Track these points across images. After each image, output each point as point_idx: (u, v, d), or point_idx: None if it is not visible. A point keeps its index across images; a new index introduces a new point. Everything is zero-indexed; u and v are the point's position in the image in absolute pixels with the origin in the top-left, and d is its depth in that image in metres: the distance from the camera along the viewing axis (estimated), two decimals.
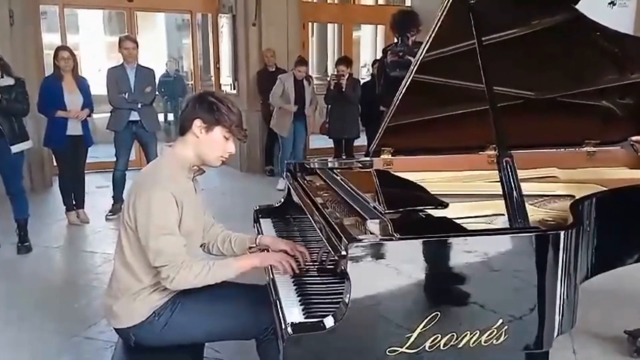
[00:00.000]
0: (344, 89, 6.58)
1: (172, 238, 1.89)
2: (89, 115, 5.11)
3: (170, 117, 12.11)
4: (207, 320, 1.99)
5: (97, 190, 6.28)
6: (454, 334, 1.62)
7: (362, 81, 7.49)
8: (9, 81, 4.25)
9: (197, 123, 1.95)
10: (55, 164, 5.48)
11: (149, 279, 1.96)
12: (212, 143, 1.97)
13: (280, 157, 6.84)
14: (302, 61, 6.68)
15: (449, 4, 2.11)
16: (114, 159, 5.42)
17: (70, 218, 5.31)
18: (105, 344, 2.90)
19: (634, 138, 2.37)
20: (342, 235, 1.64)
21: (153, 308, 1.98)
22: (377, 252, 1.59)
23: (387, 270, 1.59)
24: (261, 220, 2.65)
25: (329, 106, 6.96)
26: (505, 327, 1.66)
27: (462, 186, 2.55)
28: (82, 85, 5.06)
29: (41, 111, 5.04)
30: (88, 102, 5.05)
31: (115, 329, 2.06)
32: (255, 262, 2.05)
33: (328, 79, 7.17)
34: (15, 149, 4.28)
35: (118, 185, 5.40)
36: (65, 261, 4.55)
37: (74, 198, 5.32)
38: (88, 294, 3.66)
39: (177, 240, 1.90)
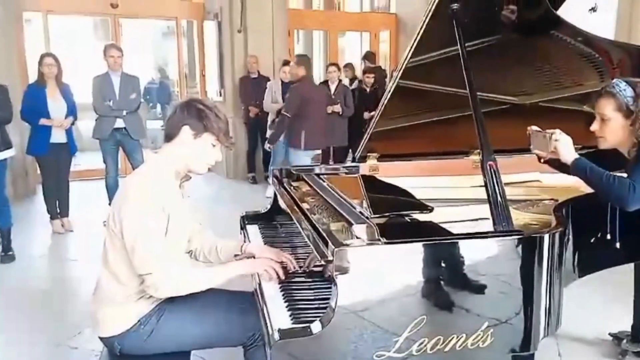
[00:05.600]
0: (341, 113, 6.67)
1: (158, 246, 1.87)
2: (73, 123, 5.07)
3: (155, 124, 12.02)
4: (193, 327, 1.98)
5: (82, 199, 6.21)
6: (441, 337, 1.63)
7: None
8: None
9: (186, 130, 1.93)
10: (38, 171, 5.41)
11: (134, 287, 1.94)
12: (199, 150, 1.96)
13: (271, 165, 6.74)
14: (286, 62, 6.62)
15: (432, 10, 2.13)
16: (98, 167, 5.37)
17: (54, 226, 5.25)
18: (91, 352, 2.87)
19: (534, 127, 2.17)
20: (328, 240, 1.64)
21: (138, 316, 1.95)
22: (363, 257, 1.60)
23: (374, 275, 1.60)
24: (248, 226, 2.64)
25: None
26: (491, 330, 1.67)
27: (448, 191, 2.56)
28: (66, 92, 5.02)
29: (24, 118, 4.97)
30: (72, 110, 5.01)
31: (100, 338, 2.03)
32: (242, 270, 2.04)
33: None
34: None
35: (112, 191, 5.35)
36: (50, 270, 4.48)
37: (58, 206, 5.27)
38: (73, 303, 3.62)
39: (163, 249, 1.88)
